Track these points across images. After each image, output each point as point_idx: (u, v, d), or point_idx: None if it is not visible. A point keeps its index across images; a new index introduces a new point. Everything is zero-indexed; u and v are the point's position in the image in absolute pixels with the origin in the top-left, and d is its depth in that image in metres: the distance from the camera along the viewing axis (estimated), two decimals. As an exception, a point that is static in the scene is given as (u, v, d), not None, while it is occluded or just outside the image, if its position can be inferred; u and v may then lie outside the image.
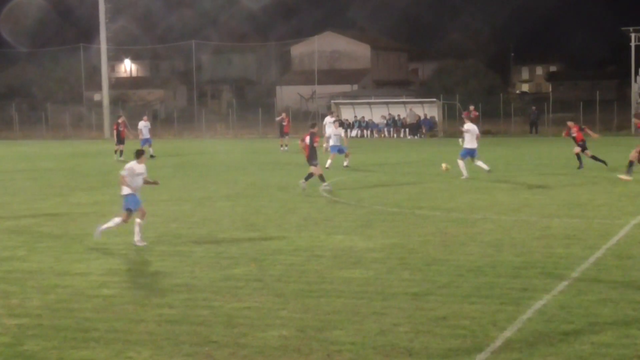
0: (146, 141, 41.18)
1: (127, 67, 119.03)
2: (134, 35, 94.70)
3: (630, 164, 25.59)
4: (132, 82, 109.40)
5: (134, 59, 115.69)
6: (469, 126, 28.31)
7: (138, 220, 16.27)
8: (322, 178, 25.00)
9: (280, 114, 47.83)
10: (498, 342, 9.62)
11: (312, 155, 24.99)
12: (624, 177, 25.40)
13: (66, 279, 13.45)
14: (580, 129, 29.72)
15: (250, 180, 28.80)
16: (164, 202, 23.13)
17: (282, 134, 45.34)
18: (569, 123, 30.20)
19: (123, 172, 16.28)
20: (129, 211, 16.20)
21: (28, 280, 13.46)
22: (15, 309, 11.67)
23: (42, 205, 22.86)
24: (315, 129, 26.08)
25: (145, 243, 16.14)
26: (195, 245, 16.17)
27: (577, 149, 29.58)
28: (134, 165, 16.32)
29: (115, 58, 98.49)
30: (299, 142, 26.07)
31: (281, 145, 44.63)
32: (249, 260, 14.67)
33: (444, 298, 11.66)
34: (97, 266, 14.45)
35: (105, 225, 16.44)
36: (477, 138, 28.19)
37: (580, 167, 29.36)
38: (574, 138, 29.65)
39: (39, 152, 48.70)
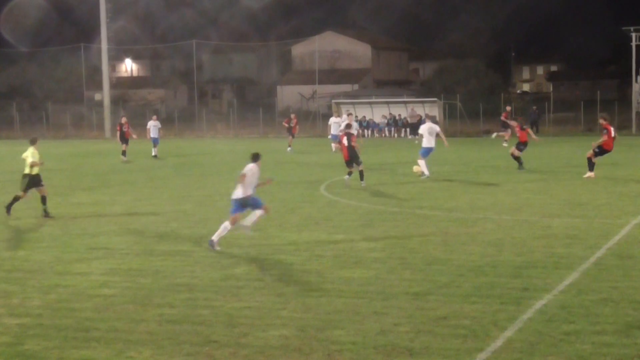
0: (155, 140, 41.27)
1: (128, 66, 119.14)
2: (135, 34, 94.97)
3: (590, 162, 26.58)
4: (132, 82, 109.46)
5: (135, 58, 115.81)
6: (428, 126, 27.97)
7: (259, 213, 16.04)
8: (361, 175, 25.65)
9: (290, 116, 47.36)
10: (499, 342, 9.62)
11: (352, 155, 25.48)
12: (588, 175, 26.49)
13: (67, 279, 13.44)
14: (522, 129, 29.92)
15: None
16: (165, 201, 23.15)
17: (291, 133, 45.16)
18: (512, 123, 30.74)
19: (244, 171, 15.67)
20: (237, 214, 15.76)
21: (29, 279, 13.46)
22: (16, 308, 11.68)
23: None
24: (352, 129, 26.54)
25: (253, 233, 16.13)
26: (196, 245, 16.16)
27: (515, 149, 29.94)
28: (254, 167, 15.78)
29: (116, 58, 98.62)
30: (335, 146, 26.56)
31: (289, 145, 44.39)
32: (250, 260, 14.67)
33: (445, 298, 11.66)
34: (98, 266, 14.45)
35: (232, 231, 15.77)
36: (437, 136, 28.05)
37: (520, 168, 29.73)
38: (518, 137, 30.12)
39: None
